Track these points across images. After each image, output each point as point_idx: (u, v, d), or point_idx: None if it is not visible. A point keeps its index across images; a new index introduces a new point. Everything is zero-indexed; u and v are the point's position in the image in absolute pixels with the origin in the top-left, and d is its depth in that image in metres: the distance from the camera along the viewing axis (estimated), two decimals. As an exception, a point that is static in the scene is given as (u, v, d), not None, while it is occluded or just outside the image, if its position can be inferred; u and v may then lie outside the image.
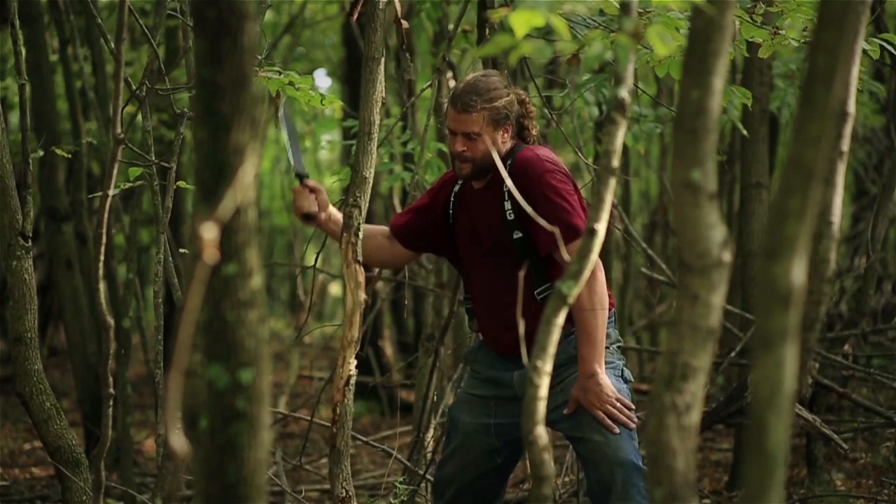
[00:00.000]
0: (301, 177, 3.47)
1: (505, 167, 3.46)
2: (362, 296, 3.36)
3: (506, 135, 3.49)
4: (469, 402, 3.64)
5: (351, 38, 8.81)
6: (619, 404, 3.37)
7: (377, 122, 3.46)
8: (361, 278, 3.38)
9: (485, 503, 3.68)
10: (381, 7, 3.47)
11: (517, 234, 3.45)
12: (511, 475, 3.91)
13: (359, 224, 3.41)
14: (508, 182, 2.93)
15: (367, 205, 3.48)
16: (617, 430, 3.36)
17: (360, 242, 3.40)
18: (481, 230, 3.54)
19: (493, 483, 3.67)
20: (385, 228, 3.77)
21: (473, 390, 3.65)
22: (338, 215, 3.59)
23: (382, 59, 3.48)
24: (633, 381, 3.58)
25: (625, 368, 3.53)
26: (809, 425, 4.39)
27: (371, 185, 3.46)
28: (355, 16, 3.80)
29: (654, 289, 8.09)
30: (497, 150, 3.46)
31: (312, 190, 3.49)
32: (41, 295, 8.50)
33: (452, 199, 3.64)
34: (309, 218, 3.49)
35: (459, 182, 3.63)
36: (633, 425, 3.40)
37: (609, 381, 3.38)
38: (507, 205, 3.46)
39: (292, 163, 3.49)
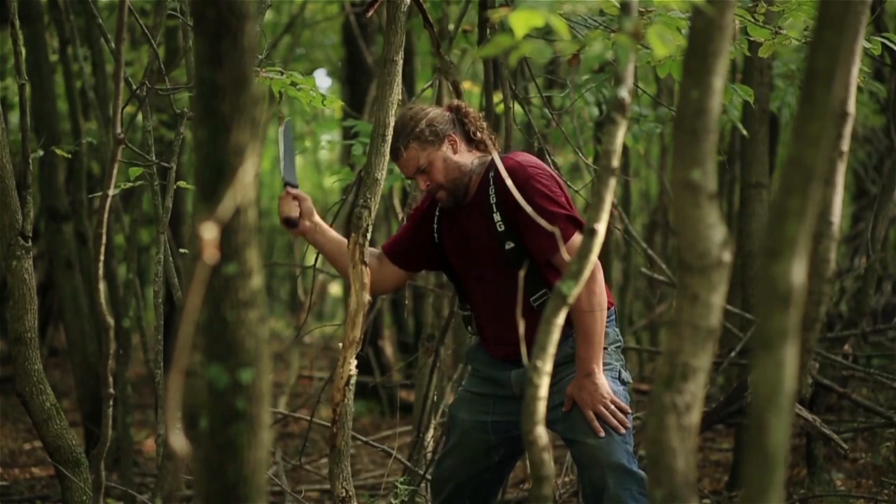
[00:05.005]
0: (287, 184, 3.49)
1: (488, 180, 3.47)
2: (367, 297, 3.35)
3: (454, 146, 3.49)
4: (468, 400, 3.65)
5: (351, 38, 8.81)
6: (612, 406, 3.35)
7: (392, 124, 3.45)
8: (367, 279, 3.36)
9: (481, 501, 3.68)
10: (402, 9, 3.46)
11: (509, 245, 3.45)
12: (510, 475, 3.91)
13: (367, 225, 3.36)
14: (515, 193, 2.92)
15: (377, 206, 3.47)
16: (602, 433, 3.34)
17: (367, 244, 3.38)
18: (473, 244, 3.53)
19: (490, 481, 3.67)
20: (375, 250, 3.73)
21: (473, 388, 3.66)
22: (326, 228, 3.58)
23: (401, 62, 3.47)
24: (631, 382, 3.57)
25: (622, 370, 3.52)
26: (809, 425, 4.39)
27: (382, 186, 3.45)
28: (371, 13, 3.78)
29: (654, 289, 8.09)
30: (458, 165, 3.47)
31: (297, 198, 3.51)
32: (41, 295, 8.50)
33: (438, 214, 3.63)
34: (290, 223, 3.51)
35: None
36: (624, 430, 3.37)
37: (606, 382, 3.37)
38: (497, 216, 3.45)
39: (282, 173, 3.52)
